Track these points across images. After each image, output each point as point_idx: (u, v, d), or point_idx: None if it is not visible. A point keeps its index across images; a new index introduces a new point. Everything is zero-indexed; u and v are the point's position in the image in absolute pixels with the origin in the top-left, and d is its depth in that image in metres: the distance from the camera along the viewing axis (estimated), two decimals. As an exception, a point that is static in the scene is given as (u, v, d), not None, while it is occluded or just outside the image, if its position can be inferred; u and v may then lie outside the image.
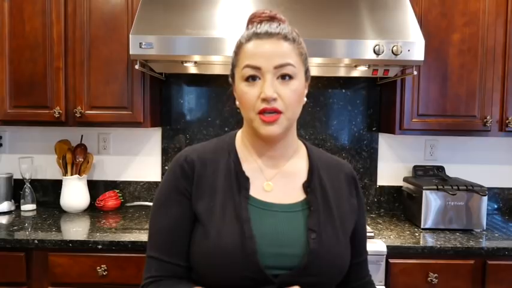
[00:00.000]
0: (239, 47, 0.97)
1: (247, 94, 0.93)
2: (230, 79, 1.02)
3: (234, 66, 0.99)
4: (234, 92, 1.01)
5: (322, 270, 0.92)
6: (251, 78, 0.92)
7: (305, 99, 1.00)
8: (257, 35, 0.94)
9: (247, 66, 0.92)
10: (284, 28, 0.95)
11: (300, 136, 1.08)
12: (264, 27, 0.94)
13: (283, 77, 0.92)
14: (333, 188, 1.02)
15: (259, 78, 0.92)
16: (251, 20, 1.00)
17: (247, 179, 0.98)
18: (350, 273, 1.03)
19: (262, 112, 0.91)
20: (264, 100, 0.90)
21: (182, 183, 0.98)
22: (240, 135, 1.06)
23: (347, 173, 1.07)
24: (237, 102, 0.99)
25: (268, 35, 0.93)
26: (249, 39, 0.95)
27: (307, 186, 1.00)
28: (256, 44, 0.93)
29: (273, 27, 0.95)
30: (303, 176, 1.02)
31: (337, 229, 0.97)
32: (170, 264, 0.96)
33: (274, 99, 0.90)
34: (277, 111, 0.91)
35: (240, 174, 0.98)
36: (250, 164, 1.01)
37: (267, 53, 0.92)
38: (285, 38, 0.94)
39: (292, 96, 0.92)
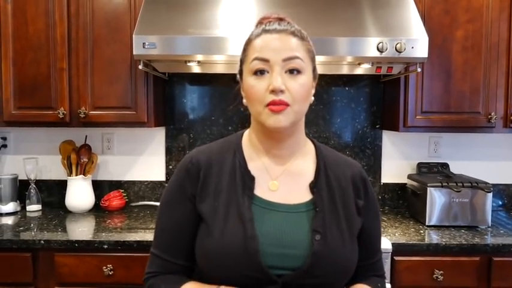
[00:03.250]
0: (248, 43, 0.98)
1: (255, 87, 0.93)
2: (238, 76, 1.03)
3: (242, 62, 1.00)
4: (241, 90, 1.01)
5: (327, 272, 0.92)
6: (259, 72, 0.93)
7: (312, 98, 1.00)
8: (266, 31, 0.95)
9: (256, 58, 0.93)
10: (293, 26, 0.97)
11: (307, 135, 1.08)
12: (274, 25, 0.96)
13: (291, 71, 0.93)
14: (340, 188, 1.01)
15: (268, 72, 0.93)
16: (260, 22, 1.01)
17: (252, 178, 0.98)
18: (359, 274, 1.03)
19: (271, 105, 0.91)
20: (272, 92, 0.91)
21: (187, 185, 0.99)
22: (247, 134, 1.06)
23: (355, 173, 1.05)
24: (244, 100, 1.00)
25: (278, 31, 0.95)
26: (258, 35, 0.96)
27: (313, 187, 1.00)
28: (265, 38, 0.94)
29: (282, 25, 0.96)
30: (309, 175, 1.02)
31: (343, 230, 0.96)
32: (170, 262, 0.99)
33: (282, 91, 0.91)
34: (284, 104, 0.91)
35: (245, 174, 0.99)
36: (256, 163, 1.01)
37: (276, 47, 0.93)
38: (294, 34, 0.95)
39: (299, 90, 0.93)
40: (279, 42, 0.93)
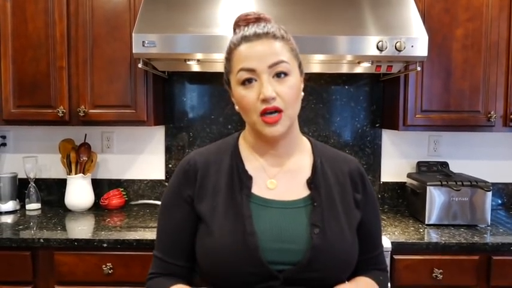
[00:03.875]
0: (230, 52, 0.98)
1: (245, 97, 0.93)
2: (226, 85, 1.03)
3: (227, 72, 1.00)
4: (231, 97, 1.01)
5: (326, 265, 0.93)
6: (247, 82, 0.93)
7: (302, 93, 1.01)
8: (246, 38, 0.95)
9: (242, 69, 0.93)
10: (271, 27, 0.96)
11: (303, 133, 1.09)
12: (252, 29, 0.95)
13: (278, 75, 0.93)
14: (338, 183, 1.02)
15: (255, 80, 0.93)
16: (237, 24, 1.01)
17: (249, 177, 0.99)
18: (361, 268, 1.04)
19: (264, 113, 0.91)
20: (264, 101, 0.91)
21: (185, 187, 1.01)
22: (242, 135, 1.07)
23: (352, 168, 1.06)
24: (237, 107, 1.00)
25: (257, 36, 0.94)
26: (238, 43, 0.95)
27: (310, 183, 1.00)
28: (247, 47, 0.94)
29: (260, 27, 0.96)
30: (306, 172, 1.03)
31: (342, 224, 0.97)
32: (170, 264, 1.01)
33: (274, 98, 0.91)
34: (278, 110, 0.91)
35: (242, 173, 1.00)
36: (253, 163, 1.02)
37: (259, 54, 0.92)
38: (274, 36, 0.95)
39: (290, 93, 0.93)
40: (262, 48, 0.93)
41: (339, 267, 0.95)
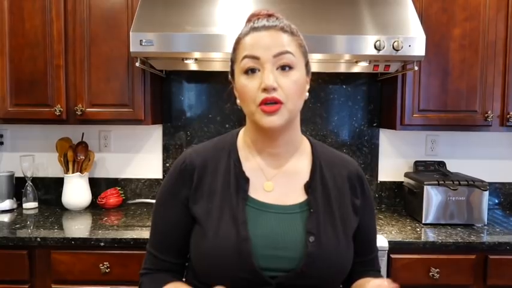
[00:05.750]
0: (238, 42, 0.96)
1: (247, 87, 0.91)
2: (230, 76, 1.01)
3: (233, 62, 0.98)
4: (234, 90, 1.00)
5: (321, 273, 0.91)
6: (250, 71, 0.91)
7: (307, 94, 0.98)
8: (255, 29, 0.93)
9: (246, 57, 0.91)
10: (282, 21, 0.95)
11: (303, 133, 1.07)
12: (262, 22, 0.94)
13: (283, 67, 0.91)
14: (336, 187, 1.00)
15: (259, 70, 0.91)
16: (249, 20, 1.00)
17: (247, 179, 0.97)
18: (356, 270, 1.03)
19: (263, 103, 0.89)
20: (265, 90, 0.89)
21: (179, 186, 0.99)
22: (242, 133, 1.05)
23: (351, 171, 1.04)
24: (238, 101, 0.98)
25: (266, 27, 0.93)
26: (247, 33, 0.94)
27: (308, 187, 0.98)
28: (254, 36, 0.92)
29: (271, 21, 0.94)
30: (305, 175, 1.00)
31: (338, 230, 0.95)
32: (162, 260, 1.01)
33: (275, 89, 0.89)
34: (277, 102, 0.89)
35: (239, 175, 0.97)
36: (251, 163, 1.00)
37: (266, 43, 0.91)
38: (283, 29, 0.93)
39: (292, 87, 0.91)
40: (269, 39, 0.91)
41: (333, 273, 0.94)
